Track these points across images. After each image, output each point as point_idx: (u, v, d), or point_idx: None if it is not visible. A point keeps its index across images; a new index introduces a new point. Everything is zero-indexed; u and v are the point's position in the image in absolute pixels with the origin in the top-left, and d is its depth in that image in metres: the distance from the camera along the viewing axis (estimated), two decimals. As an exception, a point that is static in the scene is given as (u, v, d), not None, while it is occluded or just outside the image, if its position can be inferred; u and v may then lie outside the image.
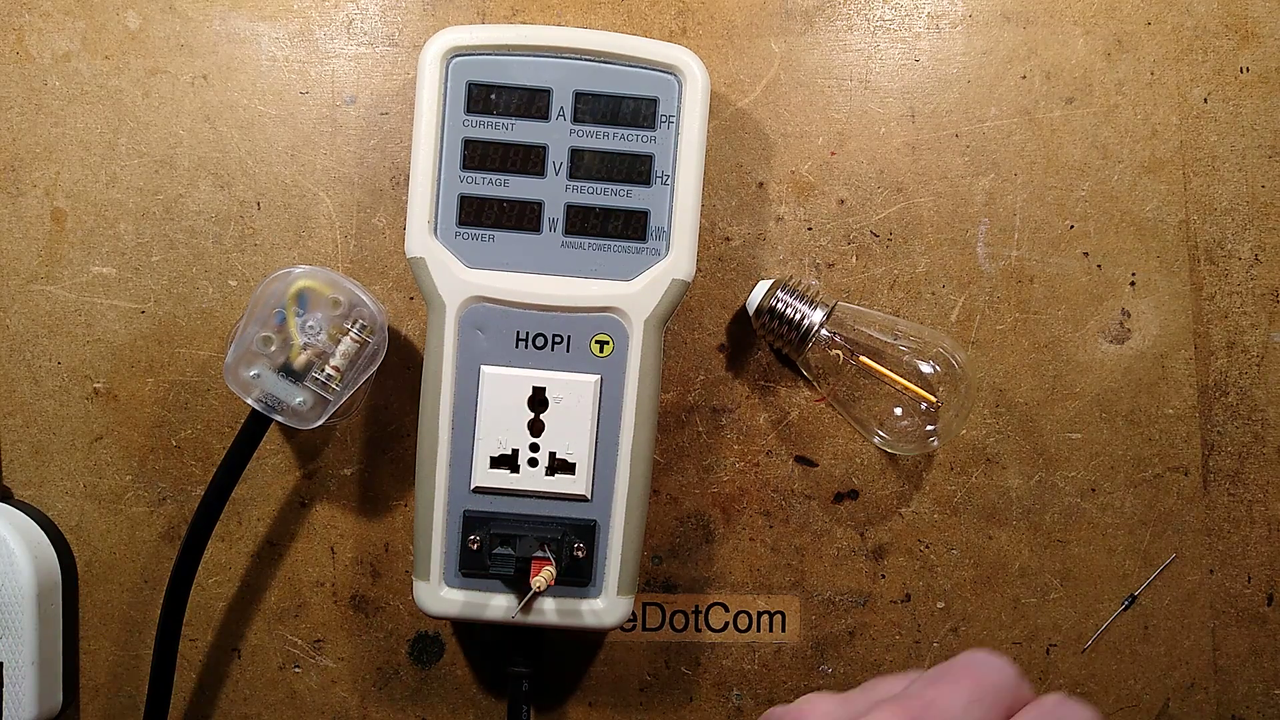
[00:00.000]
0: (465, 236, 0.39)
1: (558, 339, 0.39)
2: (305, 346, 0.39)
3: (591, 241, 0.39)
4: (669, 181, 0.39)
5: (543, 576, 0.38)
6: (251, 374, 0.39)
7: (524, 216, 0.39)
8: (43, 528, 0.43)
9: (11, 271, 0.44)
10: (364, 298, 0.40)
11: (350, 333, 0.40)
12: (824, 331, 0.42)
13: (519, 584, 0.39)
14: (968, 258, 0.45)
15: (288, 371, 0.39)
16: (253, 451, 0.41)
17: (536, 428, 0.39)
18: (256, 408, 0.39)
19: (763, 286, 0.42)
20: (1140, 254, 0.45)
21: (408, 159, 0.42)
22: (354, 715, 0.45)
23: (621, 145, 0.38)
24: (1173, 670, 0.46)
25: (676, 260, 0.39)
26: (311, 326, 0.40)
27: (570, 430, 0.39)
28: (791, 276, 0.43)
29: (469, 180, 0.39)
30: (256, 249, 0.44)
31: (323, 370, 0.39)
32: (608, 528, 0.39)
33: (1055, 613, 0.45)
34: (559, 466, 0.39)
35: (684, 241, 0.39)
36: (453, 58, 0.38)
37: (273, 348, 0.39)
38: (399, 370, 0.44)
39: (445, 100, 0.38)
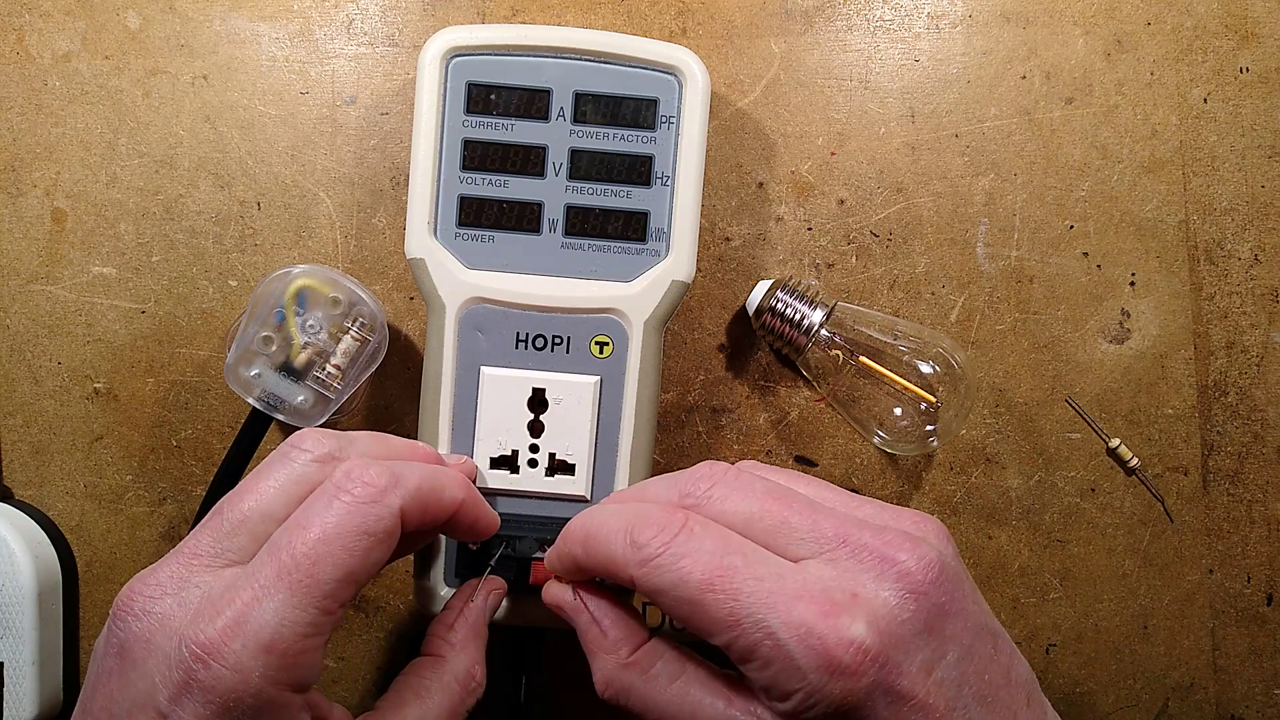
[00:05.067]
0: (465, 237, 0.39)
1: (557, 340, 0.39)
2: (305, 345, 0.39)
3: (591, 243, 0.39)
4: (669, 183, 0.39)
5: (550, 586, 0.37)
6: (252, 373, 0.39)
7: (524, 217, 0.39)
8: (43, 528, 0.43)
9: (11, 271, 0.44)
10: (363, 296, 0.40)
11: (350, 331, 0.40)
12: (824, 331, 0.42)
13: (519, 585, 0.39)
14: (967, 258, 0.45)
15: (288, 370, 0.39)
16: (254, 451, 0.41)
17: (536, 429, 0.39)
18: (258, 406, 0.40)
19: (763, 286, 0.42)
20: (1140, 254, 0.45)
21: (408, 159, 0.42)
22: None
23: (621, 146, 0.38)
24: (1172, 670, 0.46)
25: (676, 261, 0.39)
26: (311, 325, 0.40)
27: (570, 431, 0.39)
28: (791, 276, 0.43)
29: (469, 181, 0.39)
30: (256, 249, 0.44)
31: (324, 369, 0.39)
32: (608, 528, 0.39)
33: (1055, 612, 0.45)
34: (559, 467, 0.39)
35: (684, 243, 0.39)
36: (453, 58, 0.38)
37: (273, 347, 0.39)
38: (399, 370, 0.44)
39: (445, 100, 0.38)
